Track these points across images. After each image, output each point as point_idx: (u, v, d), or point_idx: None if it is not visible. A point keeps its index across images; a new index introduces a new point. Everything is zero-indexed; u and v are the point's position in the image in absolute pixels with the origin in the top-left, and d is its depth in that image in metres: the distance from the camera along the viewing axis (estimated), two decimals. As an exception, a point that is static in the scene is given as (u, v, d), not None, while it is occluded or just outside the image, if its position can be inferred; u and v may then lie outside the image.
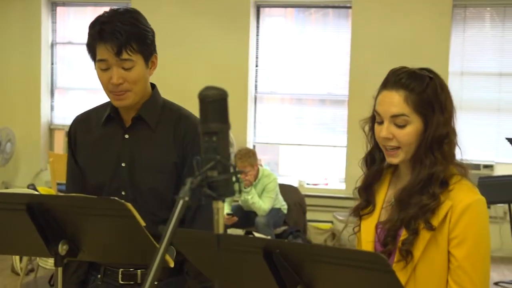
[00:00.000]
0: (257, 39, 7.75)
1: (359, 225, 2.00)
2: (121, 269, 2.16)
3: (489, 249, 1.87)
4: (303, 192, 7.02)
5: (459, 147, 1.92)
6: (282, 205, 6.32)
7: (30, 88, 8.09)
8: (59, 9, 8.20)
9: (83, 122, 2.29)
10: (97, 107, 2.31)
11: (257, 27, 7.75)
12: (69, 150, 2.31)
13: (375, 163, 1.97)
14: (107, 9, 8.30)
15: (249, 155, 6.04)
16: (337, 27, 7.74)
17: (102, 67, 2.11)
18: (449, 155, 1.88)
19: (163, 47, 8.47)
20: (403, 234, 1.86)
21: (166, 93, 8.42)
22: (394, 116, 1.86)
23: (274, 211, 6.17)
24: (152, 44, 2.18)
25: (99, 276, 2.19)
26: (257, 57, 7.75)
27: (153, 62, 2.20)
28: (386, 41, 7.24)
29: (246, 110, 7.63)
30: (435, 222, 1.83)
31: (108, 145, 2.21)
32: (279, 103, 7.88)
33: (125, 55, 2.08)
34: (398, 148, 1.88)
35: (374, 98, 1.93)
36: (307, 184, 7.51)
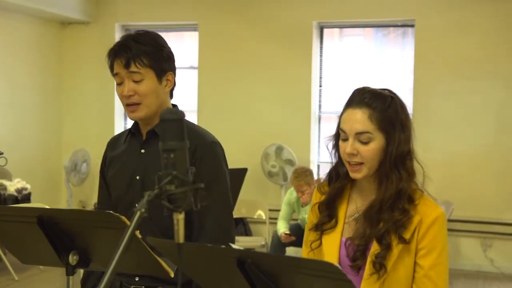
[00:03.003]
0: (321, 60, 7.84)
1: (319, 240, 2.05)
2: (132, 286, 2.28)
3: (448, 257, 1.98)
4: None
5: (419, 163, 2.00)
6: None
7: (104, 111, 8.48)
8: (131, 35, 8.58)
9: (114, 142, 2.49)
10: (128, 128, 2.48)
11: (321, 47, 7.84)
12: (100, 169, 2.49)
13: (339, 179, 2.04)
14: (175, 33, 8.66)
15: (306, 174, 6.09)
16: (400, 46, 7.73)
17: (117, 81, 2.31)
18: (412, 171, 1.97)
19: (228, 68, 8.78)
20: (375, 249, 1.93)
21: (231, 113, 8.69)
22: (358, 133, 1.94)
23: (332, 230, 6.18)
24: (166, 62, 2.32)
25: None
26: (320, 77, 7.84)
27: (168, 80, 2.33)
28: (449, 59, 7.18)
29: (309, 130, 7.71)
30: (407, 235, 1.92)
31: (127, 159, 2.37)
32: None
33: (133, 68, 2.25)
34: (361, 163, 1.95)
35: (339, 116, 2.02)
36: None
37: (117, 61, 2.28)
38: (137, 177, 2.32)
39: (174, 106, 2.43)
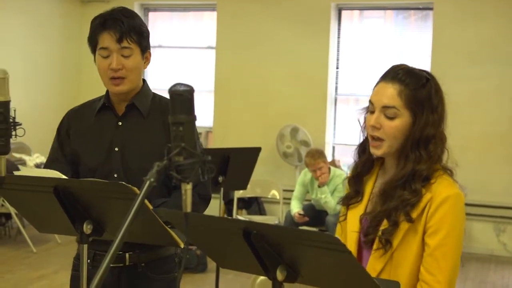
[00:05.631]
0: (338, 42, 7.85)
1: (345, 215, 2.08)
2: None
3: (461, 241, 1.93)
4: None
5: (447, 150, 1.98)
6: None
7: (122, 89, 8.54)
8: (150, 14, 8.63)
9: (77, 113, 2.51)
10: (89, 101, 2.53)
11: (338, 29, 7.85)
12: (57, 138, 2.51)
13: (365, 154, 2.04)
14: (194, 14, 8.73)
15: (319, 152, 6.22)
16: (418, 29, 7.72)
17: (104, 54, 2.34)
18: (434, 155, 1.93)
19: (246, 49, 8.79)
20: (384, 224, 1.94)
21: (248, 94, 8.75)
22: (385, 107, 1.92)
23: (345, 211, 6.25)
24: (147, 40, 2.41)
25: (88, 261, 2.24)
26: (337, 59, 7.86)
27: (147, 57, 2.42)
28: (466, 43, 7.17)
29: (325, 112, 7.75)
30: (414, 214, 1.90)
31: (101, 131, 2.42)
32: (359, 105, 7.93)
33: (125, 43, 2.32)
34: (382, 140, 1.94)
35: (372, 89, 2.00)
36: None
37: (109, 34, 2.32)
38: (116, 149, 2.39)
39: (144, 80, 2.51)
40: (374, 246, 1.96)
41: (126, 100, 2.42)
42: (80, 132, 2.46)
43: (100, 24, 2.34)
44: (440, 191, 1.91)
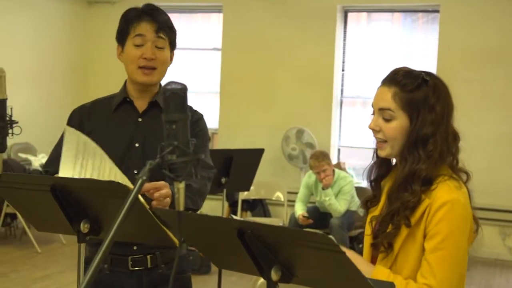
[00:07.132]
0: (344, 44, 7.84)
1: (365, 219, 2.07)
2: (130, 257, 2.31)
3: (461, 248, 1.88)
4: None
5: (454, 156, 1.97)
6: (359, 207, 6.36)
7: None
8: (157, 16, 8.63)
9: (89, 109, 2.47)
10: (100, 99, 2.51)
11: (345, 31, 7.84)
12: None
13: (379, 157, 2.04)
14: (200, 15, 8.73)
15: (324, 154, 6.20)
16: (426, 31, 7.70)
17: (137, 42, 2.33)
18: (434, 155, 1.90)
19: (251, 51, 8.78)
20: (389, 228, 1.93)
21: (254, 96, 8.72)
22: (381, 109, 1.94)
23: (349, 213, 6.24)
24: (176, 38, 2.42)
25: (105, 265, 2.29)
26: (343, 62, 7.85)
27: (171, 56, 2.42)
28: (472, 45, 7.14)
29: (331, 114, 7.73)
30: (413, 219, 1.88)
31: (121, 128, 2.39)
32: (365, 107, 7.92)
33: (161, 34, 2.33)
34: (385, 141, 1.95)
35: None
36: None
37: (147, 23, 2.32)
38: (136, 145, 2.36)
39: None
40: (381, 249, 1.95)
41: (146, 97, 2.41)
42: (96, 127, 2.41)
43: (138, 14, 2.35)
44: (438, 196, 1.88)
